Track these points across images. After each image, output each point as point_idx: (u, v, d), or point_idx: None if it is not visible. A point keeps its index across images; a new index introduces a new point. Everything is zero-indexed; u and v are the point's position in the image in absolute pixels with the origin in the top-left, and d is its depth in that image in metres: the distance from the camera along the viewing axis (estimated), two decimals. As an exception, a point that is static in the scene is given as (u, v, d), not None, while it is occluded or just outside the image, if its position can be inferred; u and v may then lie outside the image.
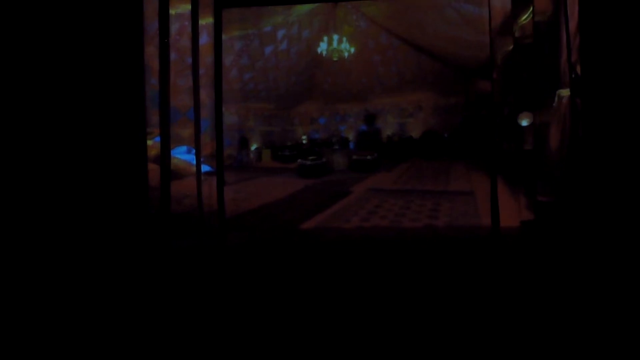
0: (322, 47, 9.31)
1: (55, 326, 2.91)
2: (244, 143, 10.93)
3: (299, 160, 9.64)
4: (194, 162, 8.00)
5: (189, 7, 8.12)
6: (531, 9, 7.32)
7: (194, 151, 7.97)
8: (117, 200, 6.29)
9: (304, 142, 10.50)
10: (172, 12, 7.89)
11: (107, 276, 3.80)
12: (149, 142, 7.27)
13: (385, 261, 4.33)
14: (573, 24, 6.56)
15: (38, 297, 3.32)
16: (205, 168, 8.39)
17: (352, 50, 9.39)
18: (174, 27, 7.96)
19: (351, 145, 10.58)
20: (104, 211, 5.92)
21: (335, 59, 9.36)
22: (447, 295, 3.20)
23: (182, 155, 7.90)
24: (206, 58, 8.57)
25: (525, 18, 7.56)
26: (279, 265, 4.20)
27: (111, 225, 5.97)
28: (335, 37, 9.29)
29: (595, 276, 3.34)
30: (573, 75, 6.65)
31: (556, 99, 6.95)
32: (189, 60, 8.06)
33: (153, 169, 7.10)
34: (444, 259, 4.26)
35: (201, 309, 3.07)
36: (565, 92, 6.83)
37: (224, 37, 9.08)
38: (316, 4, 9.39)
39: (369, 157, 9.71)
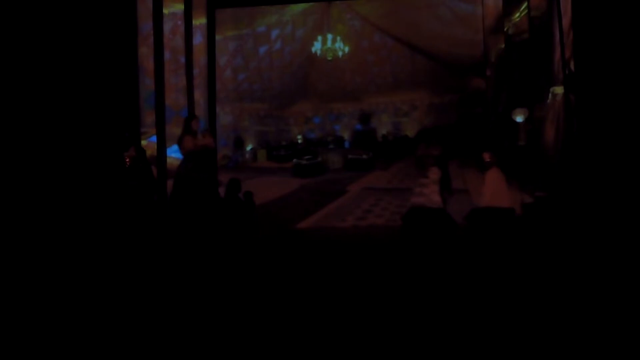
0: (317, 47, 9.28)
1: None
2: (239, 143, 10.90)
3: (295, 160, 9.62)
4: (188, 160, 7.97)
5: (181, 6, 8.11)
6: (524, 5, 7.35)
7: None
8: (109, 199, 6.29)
9: (299, 141, 10.47)
10: (165, 11, 7.88)
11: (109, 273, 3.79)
12: (144, 142, 7.26)
13: (383, 259, 4.33)
14: (566, 20, 6.58)
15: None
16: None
17: (347, 49, 9.38)
18: (166, 27, 7.95)
19: (346, 144, 10.56)
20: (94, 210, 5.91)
21: (329, 58, 9.34)
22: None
23: (175, 154, 7.86)
24: (200, 58, 8.56)
25: (517, 16, 7.60)
26: (275, 265, 4.19)
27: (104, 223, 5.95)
28: (330, 36, 9.28)
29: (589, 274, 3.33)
30: (567, 72, 6.67)
31: (550, 96, 6.97)
32: (182, 59, 8.06)
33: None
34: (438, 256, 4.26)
35: (198, 306, 3.06)
36: (559, 90, 6.85)
37: (217, 37, 9.08)
38: (310, 4, 9.39)
39: (364, 156, 9.70)
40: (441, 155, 7.09)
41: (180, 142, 6.33)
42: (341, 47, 9.38)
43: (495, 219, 6.55)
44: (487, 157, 7.15)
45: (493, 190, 6.85)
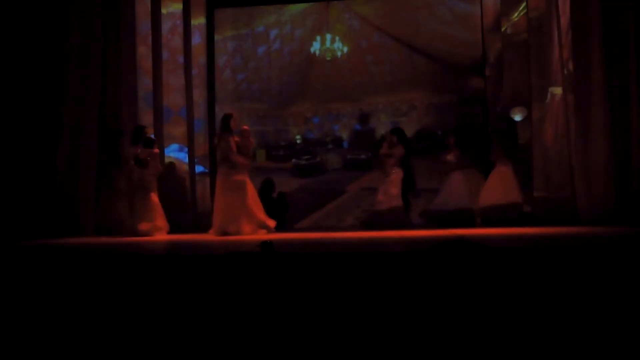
0: (315, 47, 9.29)
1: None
2: (238, 143, 10.87)
3: (294, 160, 9.64)
4: (186, 160, 7.98)
5: (180, 6, 8.12)
6: (522, 5, 7.36)
7: (186, 149, 7.96)
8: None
9: (298, 141, 10.46)
10: (163, 11, 7.90)
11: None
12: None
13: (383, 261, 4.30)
14: (564, 20, 6.59)
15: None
16: (199, 168, 8.38)
17: (346, 49, 9.37)
18: (165, 26, 7.97)
19: (345, 144, 10.55)
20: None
21: (328, 58, 9.33)
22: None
23: (173, 154, 7.88)
24: (198, 58, 8.57)
25: (516, 15, 7.61)
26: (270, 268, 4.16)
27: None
28: (329, 36, 9.27)
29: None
30: (565, 72, 6.67)
31: (549, 96, 6.97)
32: (181, 59, 8.07)
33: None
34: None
35: (191, 308, 3.04)
36: (557, 90, 6.87)
37: (216, 37, 9.08)
38: (309, 4, 9.39)
39: (363, 156, 9.70)
40: (404, 155, 7.14)
41: (228, 146, 6.19)
42: (340, 47, 9.37)
43: (452, 219, 6.64)
44: (448, 158, 7.21)
45: (453, 190, 6.92)
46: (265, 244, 3.78)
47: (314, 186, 9.10)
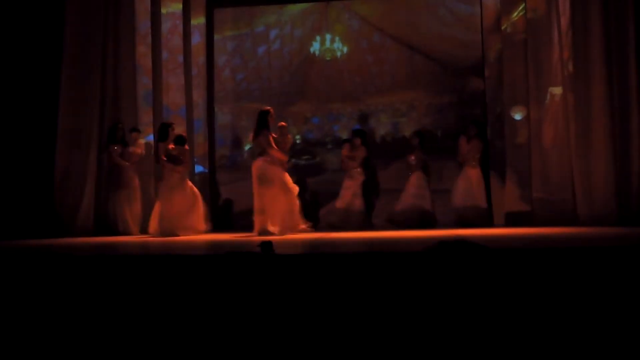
0: (315, 47, 9.31)
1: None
2: (237, 143, 10.88)
3: (293, 160, 9.64)
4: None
5: (180, 6, 8.13)
6: (522, 5, 7.36)
7: (185, 149, 7.94)
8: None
9: (298, 142, 10.46)
10: (163, 10, 7.90)
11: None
12: (141, 141, 7.26)
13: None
14: (565, 20, 6.59)
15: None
16: (198, 168, 8.39)
17: (345, 49, 9.38)
18: (165, 26, 7.97)
19: (345, 144, 10.56)
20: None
21: (328, 58, 9.34)
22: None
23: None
24: (198, 58, 8.58)
25: (516, 15, 7.61)
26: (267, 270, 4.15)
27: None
28: (328, 36, 9.29)
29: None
30: (565, 73, 6.68)
31: (548, 96, 6.98)
32: (180, 58, 8.08)
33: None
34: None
35: (190, 308, 3.03)
36: (557, 90, 6.87)
37: (216, 37, 9.08)
38: (308, 4, 9.39)
39: (362, 157, 9.69)
40: (366, 157, 7.26)
41: (268, 142, 6.09)
42: (340, 48, 9.38)
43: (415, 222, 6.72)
44: (411, 159, 7.33)
45: (414, 192, 6.99)
46: (264, 244, 3.75)
47: (313, 186, 9.09)
